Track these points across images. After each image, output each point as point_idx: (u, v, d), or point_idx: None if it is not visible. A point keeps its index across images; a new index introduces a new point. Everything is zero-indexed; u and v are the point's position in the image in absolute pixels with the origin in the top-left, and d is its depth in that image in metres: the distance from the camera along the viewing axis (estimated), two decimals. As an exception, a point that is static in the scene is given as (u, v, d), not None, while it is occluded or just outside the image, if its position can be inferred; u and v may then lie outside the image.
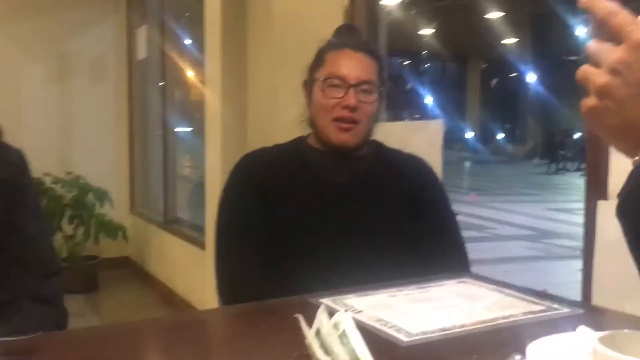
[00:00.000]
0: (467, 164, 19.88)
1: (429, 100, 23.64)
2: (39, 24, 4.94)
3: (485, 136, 23.85)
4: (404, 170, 1.48)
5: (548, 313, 0.94)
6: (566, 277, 6.04)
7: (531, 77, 21.93)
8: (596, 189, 1.42)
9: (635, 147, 0.52)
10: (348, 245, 1.33)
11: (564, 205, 11.51)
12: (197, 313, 2.32)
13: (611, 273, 1.35)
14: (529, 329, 0.88)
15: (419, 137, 2.14)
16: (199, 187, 4.19)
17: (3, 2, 4.81)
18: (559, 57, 19.05)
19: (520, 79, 22.91)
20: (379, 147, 1.51)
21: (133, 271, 5.21)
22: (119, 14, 5.34)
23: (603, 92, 0.52)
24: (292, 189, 1.40)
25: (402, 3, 12.99)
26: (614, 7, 0.52)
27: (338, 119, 1.36)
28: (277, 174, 1.41)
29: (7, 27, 4.84)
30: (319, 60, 1.43)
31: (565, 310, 0.95)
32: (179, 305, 4.12)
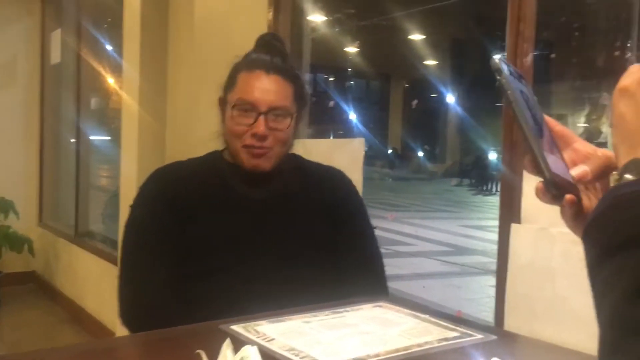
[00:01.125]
0: (389, 180, 20.30)
1: (353, 116, 24.02)
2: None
3: (407, 154, 24.48)
4: (324, 184, 1.44)
5: (462, 340, 0.93)
6: (479, 293, 6.25)
7: (450, 98, 22.77)
8: (510, 213, 1.45)
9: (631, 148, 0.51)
10: (264, 266, 1.28)
11: (479, 222, 11.95)
12: (97, 342, 2.19)
13: (523, 295, 1.38)
14: (443, 356, 0.86)
15: (341, 155, 2.14)
16: (114, 199, 4.02)
17: None
18: (476, 80, 19.91)
19: (440, 100, 23.73)
20: (299, 161, 1.47)
21: (39, 287, 4.92)
22: (32, 16, 5.08)
23: None
24: (206, 206, 1.34)
25: (328, 20, 13.17)
26: None
27: (248, 146, 1.31)
28: (190, 190, 1.35)
29: None
30: (231, 80, 1.36)
31: (479, 336, 0.95)
32: (88, 324, 3.91)
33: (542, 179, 0.57)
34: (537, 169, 0.57)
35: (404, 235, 9.25)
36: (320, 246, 1.36)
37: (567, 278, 1.27)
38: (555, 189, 0.56)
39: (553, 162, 0.57)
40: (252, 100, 1.29)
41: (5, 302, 4.47)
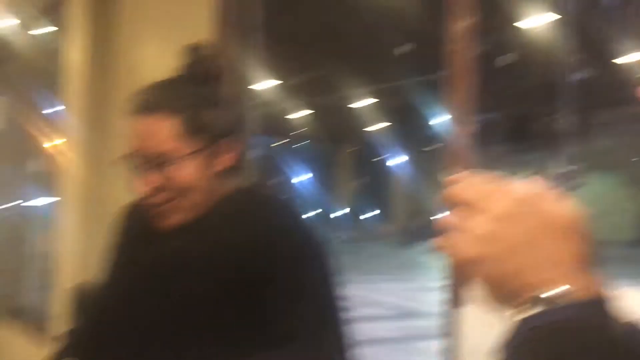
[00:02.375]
0: (338, 243, 20.27)
1: (301, 180, 24.18)
2: None
3: (356, 216, 24.63)
4: (233, 241, 1.11)
5: None
6: (428, 358, 6.17)
7: (398, 161, 23.28)
8: (457, 293, 1.44)
9: (511, 297, 0.50)
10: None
11: (427, 284, 11.99)
12: None
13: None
14: None
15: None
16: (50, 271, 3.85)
17: None
18: (420, 145, 20.51)
19: (388, 162, 24.20)
20: (234, 203, 1.17)
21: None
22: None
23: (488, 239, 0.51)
24: (119, 246, 1.26)
25: (277, 85, 13.40)
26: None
27: (145, 204, 1.13)
28: (123, 225, 1.27)
29: None
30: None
31: None
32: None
33: None
34: None
35: (352, 300, 9.16)
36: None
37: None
38: None
39: None
40: (129, 153, 1.13)
41: None
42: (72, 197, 3.10)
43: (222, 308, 1.08)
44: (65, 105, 3.22)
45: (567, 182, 12.96)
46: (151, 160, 1.10)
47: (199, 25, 2.63)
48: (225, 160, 1.15)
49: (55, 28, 3.95)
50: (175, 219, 1.13)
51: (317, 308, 1.09)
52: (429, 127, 15.43)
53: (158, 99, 1.13)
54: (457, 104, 1.79)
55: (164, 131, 1.10)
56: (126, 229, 1.28)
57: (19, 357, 3.85)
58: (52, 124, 4.43)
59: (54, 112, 4.39)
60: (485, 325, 1.34)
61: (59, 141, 4.22)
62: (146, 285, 1.15)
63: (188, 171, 1.11)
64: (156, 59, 2.67)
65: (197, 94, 1.14)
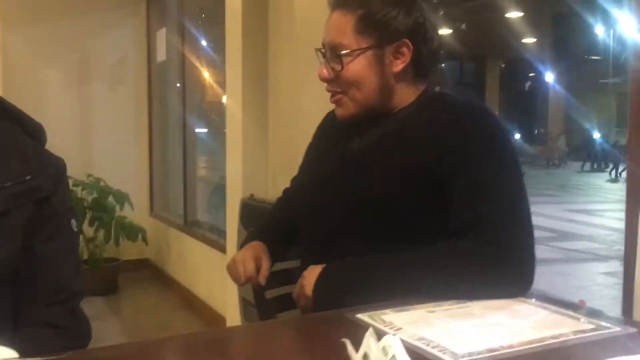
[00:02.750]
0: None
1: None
2: (59, 28, 4.97)
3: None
4: (432, 133, 1.16)
5: (600, 332, 0.89)
6: (587, 281, 5.95)
7: (550, 77, 21.73)
8: (639, 198, 1.36)
9: None
10: (328, 216, 1.23)
11: (584, 206, 11.37)
12: (225, 331, 2.28)
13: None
14: (581, 350, 0.83)
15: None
16: (219, 189, 4.17)
17: (23, 7, 4.85)
18: (578, 57, 18.85)
19: (539, 79, 22.71)
20: (424, 105, 1.23)
21: (153, 274, 5.22)
22: (138, 17, 5.36)
23: None
24: (317, 144, 1.40)
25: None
26: None
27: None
28: (322, 125, 1.43)
29: (27, 31, 4.87)
30: None
31: (616, 329, 0.90)
32: (200, 309, 4.10)
33: None
34: None
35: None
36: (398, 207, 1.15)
37: None
38: None
39: None
40: (321, 44, 1.24)
41: (124, 288, 4.79)
42: (233, 127, 3.28)
43: (410, 198, 1.14)
44: (225, 39, 3.35)
45: None
46: (330, 52, 1.20)
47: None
48: (401, 62, 1.19)
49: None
50: (347, 110, 1.22)
51: (502, 202, 1.12)
52: (590, 36, 14.10)
53: None
54: None
55: (343, 25, 1.19)
56: (323, 129, 1.41)
57: (199, 260, 4.31)
58: (211, 58, 4.67)
59: (212, 46, 4.61)
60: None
61: (213, 74, 4.46)
62: (337, 176, 1.25)
63: (359, 65, 1.18)
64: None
65: None
